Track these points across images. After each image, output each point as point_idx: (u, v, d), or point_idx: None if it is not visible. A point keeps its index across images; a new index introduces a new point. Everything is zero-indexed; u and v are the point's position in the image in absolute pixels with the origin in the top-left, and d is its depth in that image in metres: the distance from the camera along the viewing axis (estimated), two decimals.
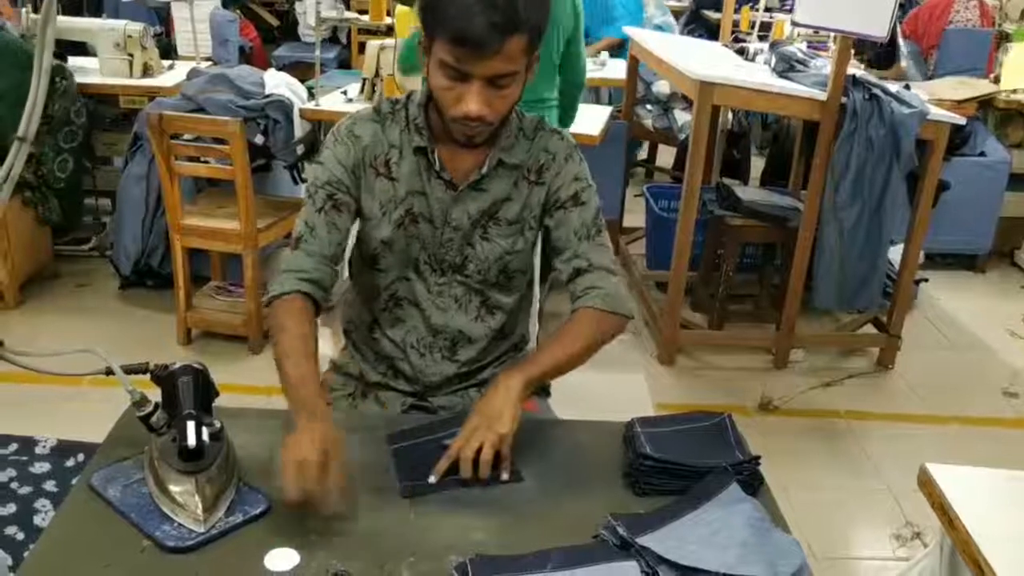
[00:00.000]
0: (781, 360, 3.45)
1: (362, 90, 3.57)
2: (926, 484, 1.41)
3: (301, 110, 3.42)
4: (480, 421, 1.31)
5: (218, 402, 1.37)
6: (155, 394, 1.29)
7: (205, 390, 1.28)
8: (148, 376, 1.29)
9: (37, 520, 2.31)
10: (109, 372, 1.27)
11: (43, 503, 2.39)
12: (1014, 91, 4.38)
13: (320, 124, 3.61)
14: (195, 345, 3.36)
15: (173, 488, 1.20)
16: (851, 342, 3.66)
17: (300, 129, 3.40)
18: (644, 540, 1.15)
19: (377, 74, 3.49)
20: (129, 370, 1.27)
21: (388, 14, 4.32)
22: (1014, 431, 3.15)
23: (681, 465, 1.31)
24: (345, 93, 3.66)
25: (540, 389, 1.73)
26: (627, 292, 1.55)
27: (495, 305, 1.59)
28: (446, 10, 1.29)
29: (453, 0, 1.28)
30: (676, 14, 6.28)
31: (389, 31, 4.55)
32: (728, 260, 3.48)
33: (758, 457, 1.34)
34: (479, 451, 1.29)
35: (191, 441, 1.18)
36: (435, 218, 1.50)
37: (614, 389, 3.21)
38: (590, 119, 3.46)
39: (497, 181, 1.50)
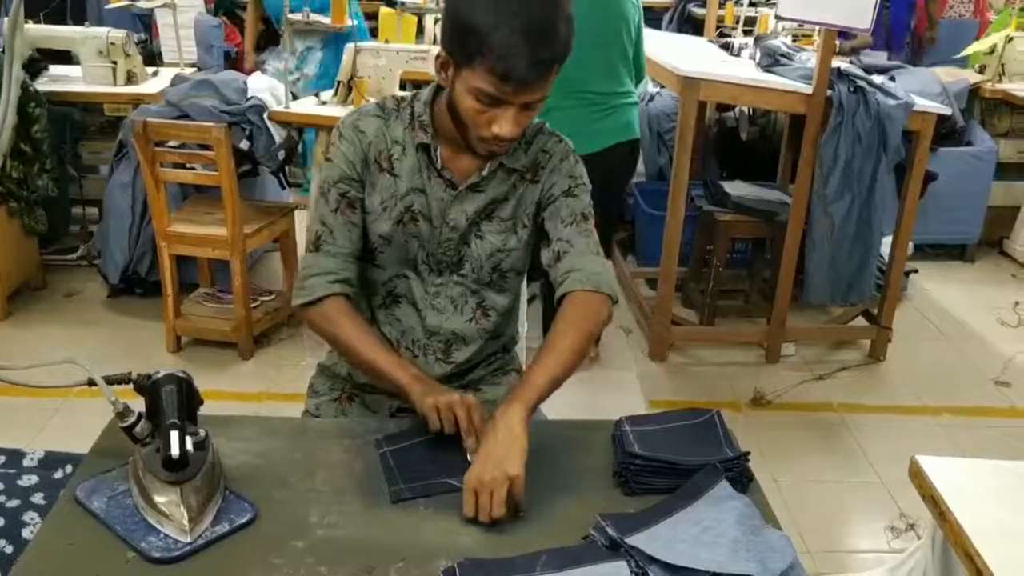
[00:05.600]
0: (773, 354, 3.45)
1: (336, 93, 3.55)
2: (917, 476, 1.41)
3: (270, 113, 3.39)
4: (488, 468, 1.23)
5: (208, 409, 1.36)
6: (140, 404, 1.28)
7: (189, 399, 1.27)
8: (131, 386, 1.28)
9: (25, 533, 2.29)
10: (91, 383, 1.25)
11: (31, 516, 2.37)
12: (999, 79, 4.39)
13: (301, 130, 3.60)
14: (185, 352, 3.35)
15: (158, 499, 1.19)
16: (842, 335, 3.67)
17: (277, 133, 3.37)
18: (633, 540, 1.15)
19: (352, 77, 3.47)
20: (111, 380, 1.26)
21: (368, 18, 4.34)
22: (1006, 420, 3.16)
23: (670, 463, 1.30)
24: (318, 95, 3.65)
25: None
26: (611, 272, 1.50)
27: (490, 306, 1.59)
28: (488, 42, 1.27)
29: (496, 33, 1.26)
30: (663, 10, 6.28)
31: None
32: (718, 256, 3.48)
33: (747, 453, 1.33)
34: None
35: (175, 451, 1.17)
36: (433, 217, 1.50)
37: (607, 387, 3.21)
38: None
39: (496, 183, 1.50)
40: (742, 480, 1.32)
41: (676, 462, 1.30)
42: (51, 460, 2.59)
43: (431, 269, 1.55)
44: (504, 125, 1.34)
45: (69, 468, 2.50)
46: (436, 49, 1.43)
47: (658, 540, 1.16)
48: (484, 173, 1.48)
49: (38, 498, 2.44)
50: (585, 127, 2.95)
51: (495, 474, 1.22)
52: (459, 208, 1.50)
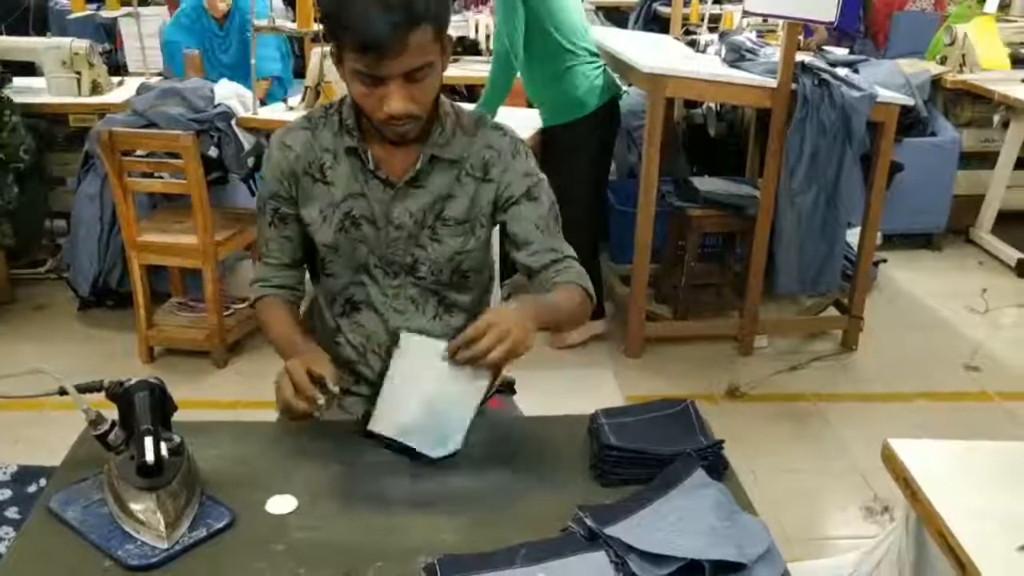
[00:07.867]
0: (746, 347, 3.48)
1: (303, 98, 3.54)
2: (889, 459, 1.43)
3: (239, 119, 3.37)
4: (502, 320, 1.28)
5: (183, 417, 1.35)
6: (113, 413, 1.27)
7: (162, 405, 1.26)
8: (103, 394, 1.27)
9: (0, 548, 2.27)
10: (63, 392, 1.24)
11: (5, 531, 2.34)
12: (960, 70, 4.46)
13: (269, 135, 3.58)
14: (158, 362, 3.32)
15: (134, 506, 1.18)
16: (814, 325, 3.70)
17: (246, 140, 3.35)
18: (612, 530, 1.16)
19: (319, 82, 3.45)
20: (83, 389, 1.25)
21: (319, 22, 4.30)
22: (977, 404, 3.20)
23: (646, 453, 1.31)
24: (285, 102, 3.63)
25: (505, 386, 1.72)
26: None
27: (452, 304, 1.59)
28: (344, 18, 1.28)
29: (349, 7, 1.28)
30: (628, 9, 6.30)
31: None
32: (689, 251, 3.50)
33: (722, 441, 1.35)
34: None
35: (149, 457, 1.16)
36: (377, 218, 1.50)
37: (583, 384, 3.22)
38: (521, 120, 3.39)
39: (435, 177, 1.49)
40: (718, 468, 1.33)
41: (652, 452, 1.31)
42: (24, 474, 2.56)
43: (385, 272, 1.54)
44: (392, 102, 1.34)
45: (43, 482, 2.47)
46: None
47: (636, 530, 1.17)
48: (419, 167, 1.47)
49: (12, 512, 2.41)
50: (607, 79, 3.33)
51: (508, 326, 1.26)
52: (401, 206, 1.49)
